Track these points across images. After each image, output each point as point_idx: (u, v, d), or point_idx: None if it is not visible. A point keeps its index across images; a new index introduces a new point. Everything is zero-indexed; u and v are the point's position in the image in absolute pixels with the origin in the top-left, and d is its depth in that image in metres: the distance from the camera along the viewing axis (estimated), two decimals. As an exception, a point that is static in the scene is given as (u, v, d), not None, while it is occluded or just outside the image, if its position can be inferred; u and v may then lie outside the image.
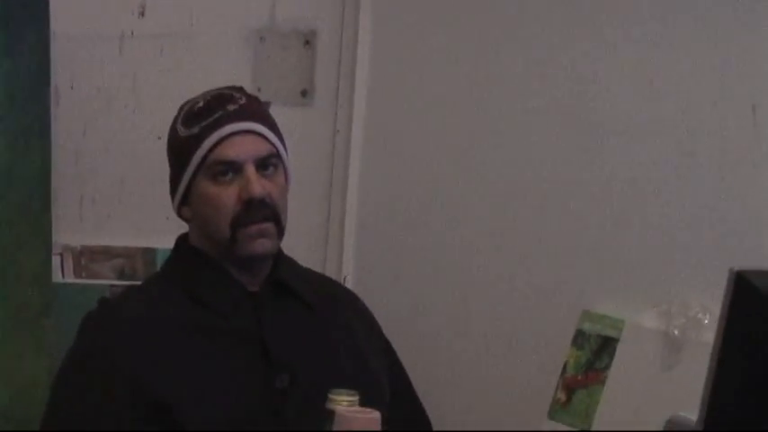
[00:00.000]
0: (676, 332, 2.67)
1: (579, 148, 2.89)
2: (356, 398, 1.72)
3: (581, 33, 2.89)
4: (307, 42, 3.18)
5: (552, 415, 2.81)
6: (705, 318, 2.64)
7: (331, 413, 1.68)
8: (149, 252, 3.04)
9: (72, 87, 3.05)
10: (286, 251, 2.31)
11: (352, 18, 3.18)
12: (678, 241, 2.77)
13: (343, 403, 1.70)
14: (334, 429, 1.64)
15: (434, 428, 2.39)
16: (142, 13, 3.08)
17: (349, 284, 3.07)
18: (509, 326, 2.97)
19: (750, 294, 1.38)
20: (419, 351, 2.87)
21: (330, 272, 3.08)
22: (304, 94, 3.18)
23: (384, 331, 2.41)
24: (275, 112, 2.31)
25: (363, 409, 1.70)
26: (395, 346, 2.43)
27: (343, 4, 3.18)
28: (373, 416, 1.66)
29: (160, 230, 2.62)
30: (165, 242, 2.36)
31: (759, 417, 1.38)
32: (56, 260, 2.99)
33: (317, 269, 2.84)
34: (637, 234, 2.81)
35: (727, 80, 2.72)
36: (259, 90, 3.06)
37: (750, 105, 2.68)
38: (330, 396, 1.71)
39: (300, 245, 2.47)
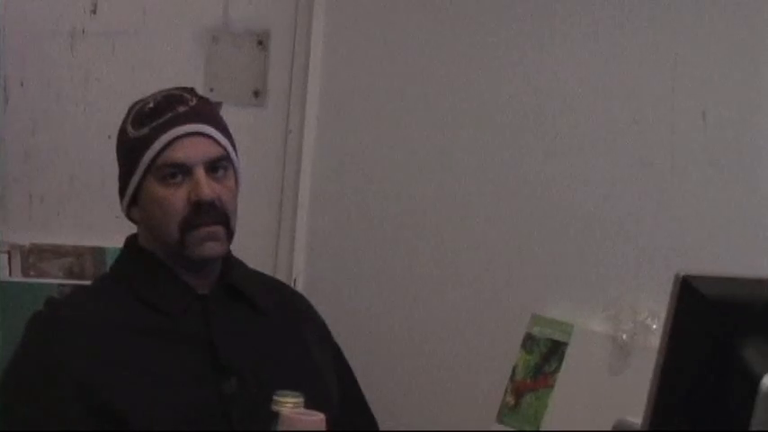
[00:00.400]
0: (624, 337, 2.68)
1: (531, 151, 2.90)
2: (301, 400, 1.72)
3: (537, 35, 2.89)
4: (260, 43, 3.16)
5: (501, 418, 2.82)
6: (653, 323, 2.66)
7: (276, 415, 1.68)
8: (99, 251, 3.02)
9: (22, 84, 3.02)
10: (237, 252, 2.30)
11: (305, 19, 3.17)
12: (628, 246, 2.78)
13: (288, 405, 1.70)
14: (279, 430, 1.64)
15: (382, 427, 2.40)
16: (94, 11, 3.05)
17: (299, 286, 3.07)
18: (459, 329, 2.97)
19: (695, 299, 1.38)
20: (369, 353, 2.88)
21: (281, 273, 3.07)
22: (257, 94, 3.17)
23: (334, 333, 2.41)
24: (227, 112, 2.30)
25: (308, 411, 1.70)
26: (345, 347, 2.43)
27: (297, 5, 3.16)
28: (317, 418, 1.66)
29: (110, 230, 2.61)
30: (115, 241, 2.35)
31: (702, 421, 1.39)
32: (3, 258, 2.96)
33: (268, 271, 2.83)
34: (586, 239, 2.82)
35: (679, 86, 2.73)
36: (211, 90, 3.05)
37: (701, 111, 2.70)
38: (275, 398, 1.71)
39: (251, 246, 2.46)
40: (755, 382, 1.34)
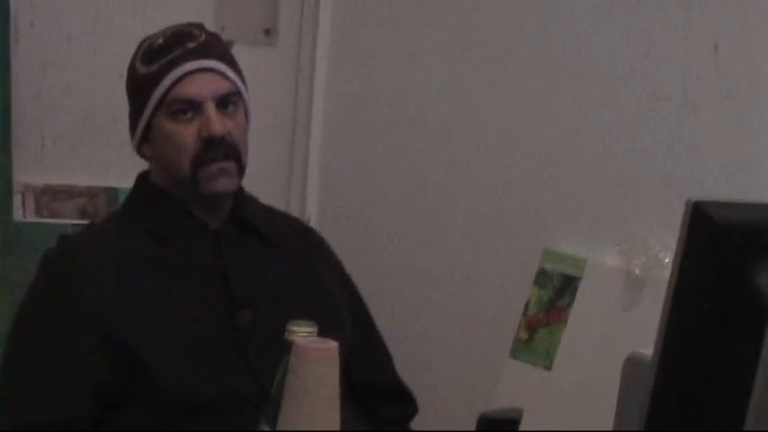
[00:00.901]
0: (637, 271, 2.69)
1: (545, 89, 2.89)
2: (315, 329, 1.72)
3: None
4: (270, -19, 3.15)
5: (514, 353, 2.83)
6: (666, 256, 2.66)
7: (289, 344, 1.68)
8: (111, 191, 3.03)
9: (32, 25, 3.01)
10: (249, 191, 2.30)
11: (316, -42, 3.16)
12: (641, 180, 2.78)
13: (302, 334, 1.70)
14: (292, 359, 1.65)
15: (396, 364, 2.40)
16: (104, -50, 3.05)
17: (312, 224, 3.06)
18: (471, 265, 2.98)
19: (707, 225, 1.38)
20: (382, 290, 2.88)
21: (293, 211, 3.08)
22: (267, 33, 3.16)
23: (347, 271, 2.42)
24: (238, 51, 2.29)
25: (322, 339, 1.70)
26: (358, 285, 2.43)
27: (308, -57, 3.15)
28: (330, 345, 1.66)
29: (122, 170, 2.61)
30: (127, 181, 2.35)
31: (713, 349, 1.39)
32: (17, 199, 2.97)
33: (281, 209, 2.84)
34: (599, 173, 2.82)
35: (690, 18, 2.72)
36: (222, 29, 3.04)
37: (713, 44, 2.69)
38: (288, 327, 1.71)
39: (264, 184, 2.45)
40: (767, 308, 1.34)
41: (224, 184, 2.15)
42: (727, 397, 1.37)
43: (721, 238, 1.36)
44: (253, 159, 2.23)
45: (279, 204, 2.92)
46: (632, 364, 1.57)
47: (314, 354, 1.65)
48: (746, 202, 1.46)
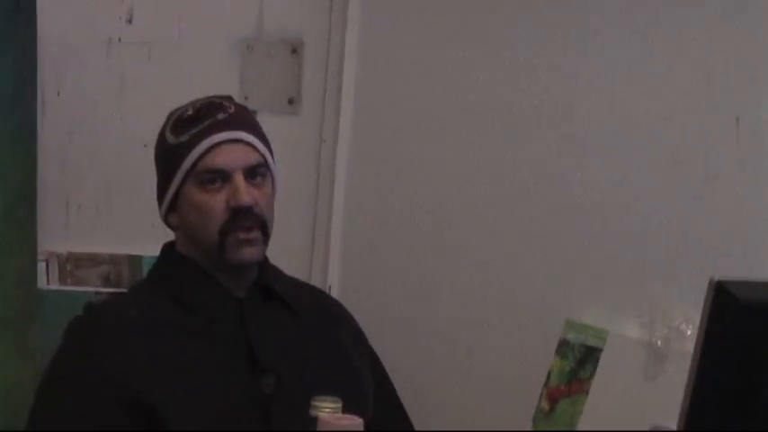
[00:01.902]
0: (659, 342, 2.68)
1: (563, 155, 2.90)
2: (339, 404, 1.73)
3: (566, 35, 2.90)
4: (294, 51, 3.18)
5: (536, 424, 2.82)
6: (688, 328, 2.65)
7: (314, 419, 1.69)
8: (135, 259, 3.04)
9: (58, 94, 3.05)
10: (272, 260, 2.31)
11: (339, 26, 3.18)
12: (662, 251, 2.78)
13: (327, 410, 1.71)
14: (317, 433, 1.66)
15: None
16: (130, 20, 3.08)
17: (334, 293, 3.07)
18: (494, 335, 2.98)
19: (730, 304, 1.39)
20: (404, 361, 2.88)
21: (315, 281, 3.08)
22: (291, 102, 3.19)
23: (369, 341, 2.42)
24: (262, 120, 2.32)
25: (346, 416, 1.71)
26: (380, 355, 2.44)
27: (331, 13, 3.18)
28: (356, 422, 1.67)
29: (146, 238, 2.63)
30: (151, 249, 2.37)
31: (737, 425, 1.39)
32: (41, 266, 2.98)
33: (303, 278, 2.84)
34: (621, 244, 2.82)
35: (713, 90, 2.74)
36: (246, 98, 3.07)
37: (734, 117, 2.70)
38: (313, 403, 1.73)
39: (286, 254, 2.47)
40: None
41: (250, 253, 2.17)
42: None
43: (744, 316, 1.37)
44: (275, 228, 2.25)
45: (301, 273, 2.93)
46: (655, 437, 1.58)
47: (339, 429, 1.66)
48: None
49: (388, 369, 2.41)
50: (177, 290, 2.19)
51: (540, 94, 2.94)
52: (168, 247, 2.27)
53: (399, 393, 2.40)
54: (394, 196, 3.16)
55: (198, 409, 2.06)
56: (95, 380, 2.07)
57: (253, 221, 2.16)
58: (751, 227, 2.68)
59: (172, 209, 2.22)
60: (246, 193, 2.14)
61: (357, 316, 2.45)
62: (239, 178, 2.15)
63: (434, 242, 3.09)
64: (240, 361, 2.14)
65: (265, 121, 2.35)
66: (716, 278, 1.42)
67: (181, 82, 3.04)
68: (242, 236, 2.15)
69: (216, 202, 2.15)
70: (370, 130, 3.19)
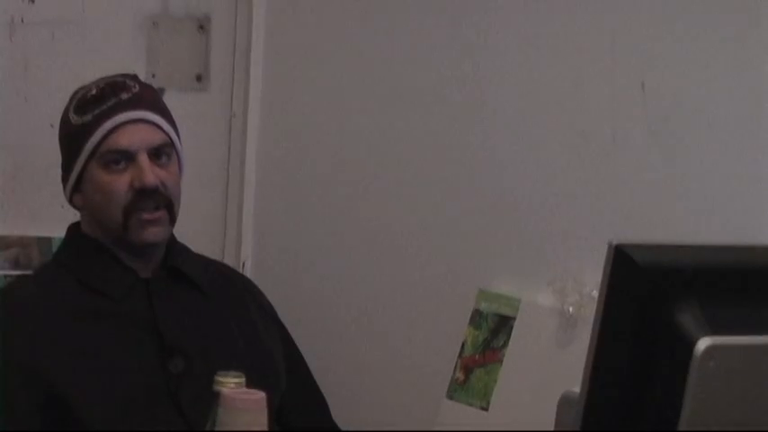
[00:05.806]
0: (571, 309, 2.71)
1: (469, 124, 2.92)
2: (243, 379, 1.74)
3: (467, 6, 2.90)
4: (201, 27, 3.16)
5: (451, 394, 2.84)
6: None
7: (217, 395, 1.71)
8: (45, 241, 3.01)
9: (-39, 75, 3.00)
10: (184, 238, 2.31)
11: (246, 2, 3.17)
12: (572, 219, 2.80)
13: (230, 385, 1.72)
14: (220, 410, 1.67)
15: (333, 413, 2.41)
16: (32, 0, 3.04)
17: (248, 270, 3.07)
18: (407, 308, 2.99)
19: (629, 267, 1.40)
20: (317, 336, 2.89)
21: (229, 258, 3.08)
22: (199, 78, 3.17)
23: (283, 317, 2.42)
24: (170, 97, 2.30)
25: (249, 390, 1.72)
26: (293, 331, 2.44)
27: (237, -12, 3.17)
28: (257, 396, 1.69)
29: (55, 219, 2.60)
30: (61, 231, 2.35)
31: (639, 387, 1.41)
32: (-51, 250, 2.95)
33: (216, 255, 2.84)
34: (530, 212, 2.84)
35: (617, 56, 2.76)
36: (153, 76, 3.04)
37: (640, 82, 2.73)
38: (217, 378, 1.74)
39: (199, 231, 2.47)
40: (690, 346, 1.36)
41: (154, 234, 2.16)
42: (654, 433, 1.40)
43: (643, 279, 1.39)
44: (187, 206, 2.25)
45: (214, 250, 2.93)
46: (566, 403, 1.59)
47: (240, 404, 1.67)
48: (667, 243, 1.49)
49: (300, 347, 2.41)
50: (83, 272, 2.18)
51: (443, 66, 2.95)
52: (74, 228, 2.26)
53: (312, 370, 2.41)
54: (306, 170, 3.16)
55: (107, 394, 2.06)
56: (4, 365, 2.05)
57: (158, 202, 2.15)
58: (657, 192, 2.72)
59: (77, 189, 2.20)
60: (151, 174, 2.13)
61: (272, 291, 2.45)
62: (144, 159, 2.14)
63: (347, 217, 3.09)
64: (148, 343, 2.14)
65: (173, 98, 2.34)
66: (614, 242, 1.43)
67: (86, 61, 3.00)
68: (146, 216, 2.14)
69: (120, 183, 2.14)
70: (279, 105, 3.19)
